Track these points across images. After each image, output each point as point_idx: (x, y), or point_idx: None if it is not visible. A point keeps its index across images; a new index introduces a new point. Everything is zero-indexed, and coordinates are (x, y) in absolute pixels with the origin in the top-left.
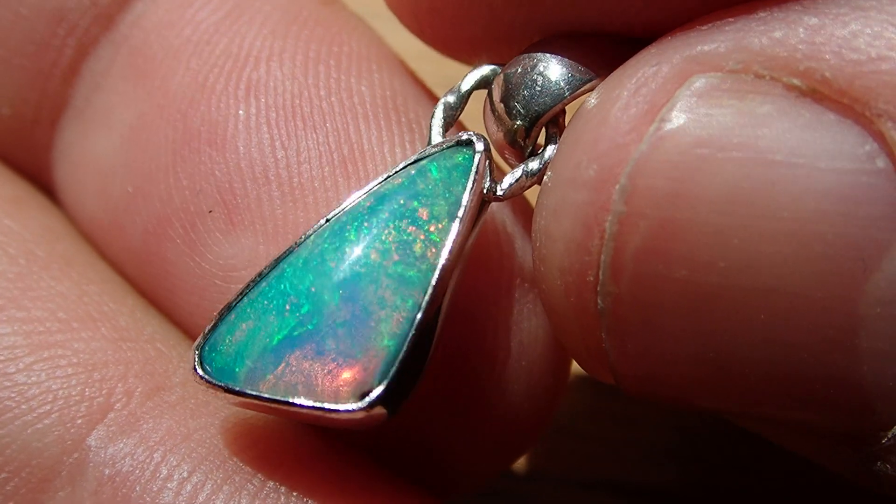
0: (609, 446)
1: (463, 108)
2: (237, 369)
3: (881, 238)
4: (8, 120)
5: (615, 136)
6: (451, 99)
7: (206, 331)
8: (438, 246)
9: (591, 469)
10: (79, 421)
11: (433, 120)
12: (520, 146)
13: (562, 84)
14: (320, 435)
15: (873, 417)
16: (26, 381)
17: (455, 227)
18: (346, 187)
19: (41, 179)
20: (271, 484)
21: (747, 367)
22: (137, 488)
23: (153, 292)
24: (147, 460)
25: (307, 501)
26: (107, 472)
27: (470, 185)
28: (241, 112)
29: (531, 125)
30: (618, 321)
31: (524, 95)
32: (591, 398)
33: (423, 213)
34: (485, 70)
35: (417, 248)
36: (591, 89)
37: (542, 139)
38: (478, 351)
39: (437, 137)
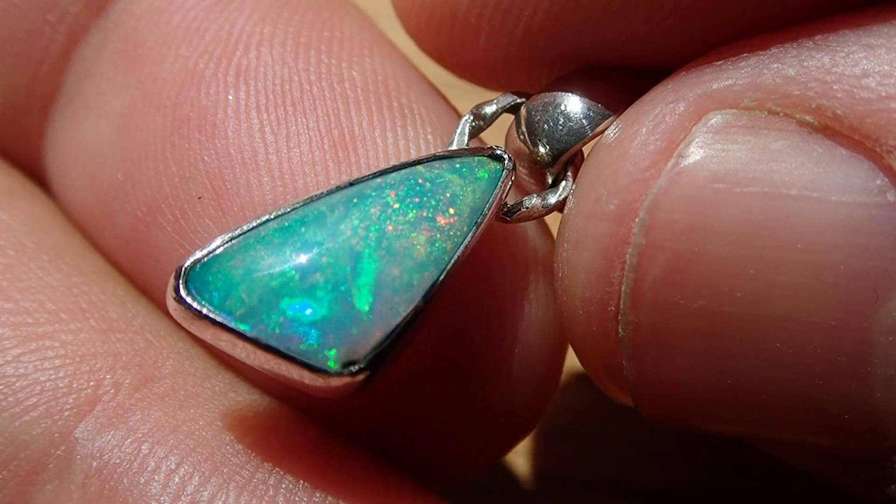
0: (609, 446)
1: (489, 126)
2: (228, 299)
3: (892, 269)
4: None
5: (634, 172)
6: (483, 110)
7: (201, 254)
8: (454, 244)
9: (591, 469)
10: (66, 413)
11: (459, 126)
12: (541, 171)
13: (581, 126)
14: (310, 425)
15: (886, 442)
16: (14, 372)
17: (469, 235)
18: (337, 172)
19: (33, 168)
20: (260, 475)
21: (763, 392)
22: (125, 481)
23: (144, 280)
24: (135, 452)
25: (296, 492)
26: (94, 464)
27: (493, 198)
28: (230, 97)
29: (553, 161)
30: (638, 349)
31: (547, 134)
32: (591, 398)
33: (446, 210)
34: (511, 98)
35: (437, 240)
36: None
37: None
38: (474, 339)
39: (460, 143)
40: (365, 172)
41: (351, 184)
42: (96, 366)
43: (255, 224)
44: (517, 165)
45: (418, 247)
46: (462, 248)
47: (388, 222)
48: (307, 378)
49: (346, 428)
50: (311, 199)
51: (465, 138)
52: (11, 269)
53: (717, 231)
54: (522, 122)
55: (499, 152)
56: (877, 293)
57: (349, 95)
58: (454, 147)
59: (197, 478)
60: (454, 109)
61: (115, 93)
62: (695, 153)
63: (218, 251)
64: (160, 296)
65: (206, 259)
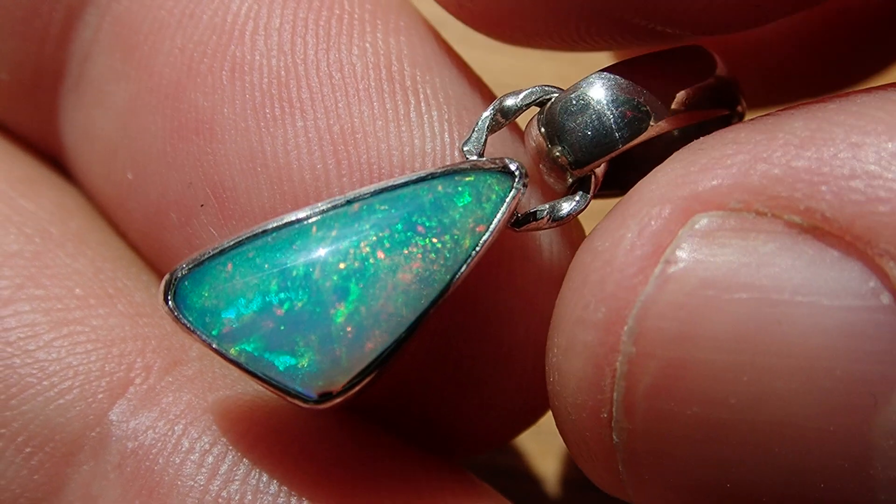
0: None
1: (512, 121)
2: (213, 317)
3: (890, 372)
4: (8, 85)
5: (621, 279)
6: (506, 104)
7: (190, 263)
8: (444, 273)
9: None
10: (100, 396)
11: (478, 123)
12: (562, 173)
13: (612, 138)
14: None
15: None
16: (47, 357)
17: (463, 266)
18: (337, 174)
19: (49, 145)
20: (290, 454)
21: (763, 496)
22: (160, 461)
23: (160, 273)
24: (169, 433)
25: (328, 469)
26: (129, 445)
27: (495, 225)
28: (226, 98)
29: (578, 167)
30: (633, 455)
31: (574, 141)
32: None
33: (443, 237)
34: (539, 92)
35: (426, 267)
36: (642, 140)
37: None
38: (487, 332)
39: (478, 140)
40: (366, 172)
41: (348, 201)
42: (126, 349)
43: (244, 237)
44: (542, 163)
45: (408, 278)
46: (453, 277)
47: (377, 249)
48: (288, 401)
49: (360, 407)
50: (303, 219)
51: (484, 136)
52: (39, 256)
53: (707, 338)
54: (548, 121)
55: (511, 167)
56: (875, 397)
57: (348, 86)
58: (471, 144)
59: (230, 457)
60: (465, 77)
61: (116, 83)
62: (682, 258)
63: (206, 264)
64: None
65: (193, 271)
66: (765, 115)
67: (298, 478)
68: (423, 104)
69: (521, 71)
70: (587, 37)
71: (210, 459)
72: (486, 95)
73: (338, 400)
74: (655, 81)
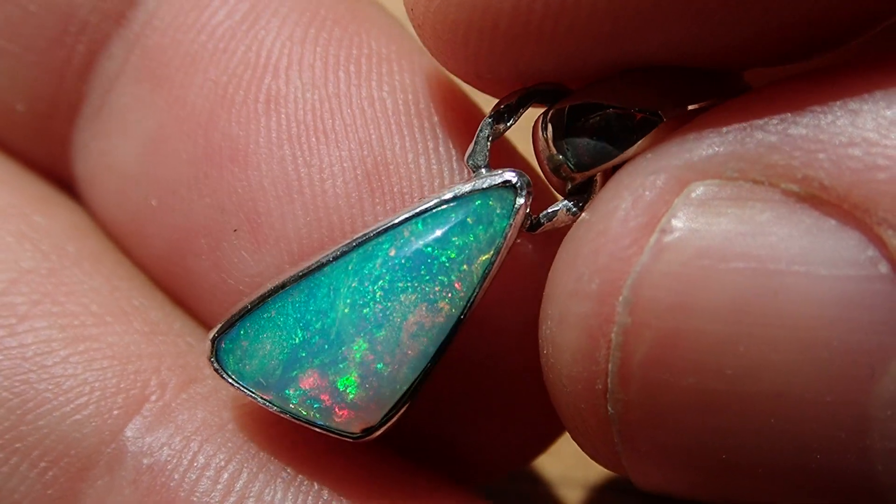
0: None
1: (511, 126)
2: (247, 370)
3: (887, 342)
4: (23, 115)
5: (616, 249)
6: (500, 112)
7: (223, 326)
8: (459, 303)
9: (591, 469)
10: (115, 412)
11: (479, 134)
12: (564, 177)
13: (617, 142)
14: None
15: None
16: (63, 373)
17: (477, 289)
18: (371, 202)
19: (60, 174)
20: (303, 476)
21: (759, 467)
22: (175, 477)
23: (178, 298)
24: (184, 450)
25: (341, 487)
26: (145, 461)
27: (503, 248)
28: (261, 128)
29: (579, 171)
30: (629, 426)
31: (575, 147)
32: None
33: (452, 269)
34: (533, 94)
35: (439, 302)
36: (646, 147)
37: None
38: (507, 354)
39: (481, 151)
40: (398, 201)
41: (356, 242)
42: (142, 367)
43: (266, 294)
44: (545, 165)
45: (423, 309)
46: (469, 304)
47: (391, 289)
48: (334, 437)
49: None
50: (314, 269)
51: (486, 145)
52: (56, 273)
53: (703, 308)
54: (550, 126)
55: (513, 181)
56: (872, 367)
57: (380, 119)
58: (474, 156)
59: (245, 474)
60: (481, 112)
61: (143, 112)
62: (678, 228)
63: (240, 320)
64: (194, 314)
65: (230, 329)
66: (761, 88)
67: (313, 498)
68: (450, 139)
69: None
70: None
71: (225, 476)
72: None
73: (378, 433)
74: (664, 84)
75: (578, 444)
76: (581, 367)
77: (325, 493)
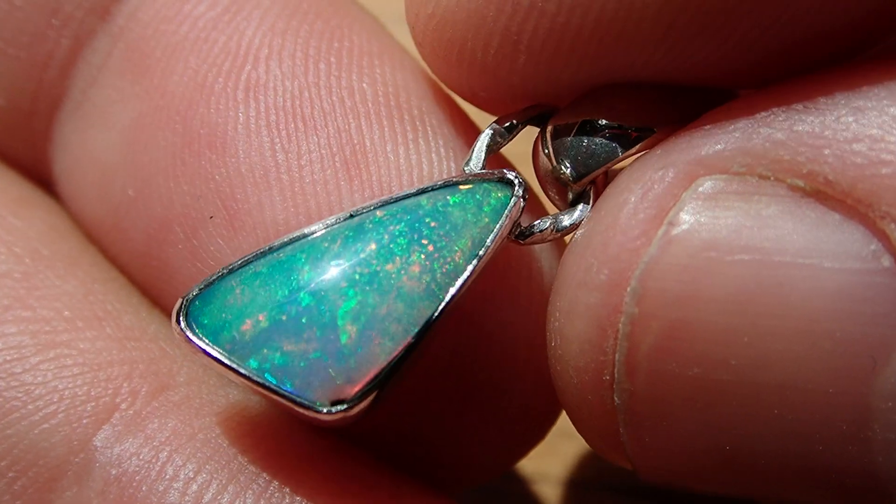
0: None
1: (510, 141)
2: (223, 333)
3: (889, 335)
4: (3, 111)
5: (625, 241)
6: (500, 127)
7: (202, 285)
8: (450, 279)
9: (591, 469)
10: (85, 421)
11: (478, 143)
12: (563, 187)
13: (610, 147)
14: (324, 434)
15: (888, 503)
16: (33, 380)
17: (469, 269)
18: (349, 190)
19: (39, 172)
20: (276, 483)
21: (762, 458)
22: (144, 488)
23: (157, 293)
24: (153, 460)
25: (314, 500)
26: (113, 472)
27: (497, 230)
28: (240, 115)
29: (576, 180)
30: (634, 416)
31: (572, 153)
32: None
33: (447, 244)
34: (534, 112)
35: (431, 274)
36: (642, 150)
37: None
38: (489, 352)
39: (477, 159)
40: (376, 189)
41: (351, 215)
42: (113, 374)
43: (251, 257)
44: (539, 181)
45: (413, 284)
46: (459, 284)
47: (383, 260)
48: (299, 413)
49: (359, 436)
50: (308, 234)
51: (483, 155)
52: (29, 277)
53: (709, 299)
54: (548, 138)
55: (510, 177)
56: (874, 360)
57: (360, 109)
58: (472, 163)
59: (215, 485)
60: (466, 116)
61: (123, 104)
62: (685, 220)
63: (216, 283)
64: (171, 311)
65: (204, 291)
66: (767, 86)
67: None
68: (429, 132)
69: None
70: None
71: (194, 487)
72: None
73: (349, 412)
74: (657, 94)
75: (583, 436)
76: (588, 357)
77: (298, 502)
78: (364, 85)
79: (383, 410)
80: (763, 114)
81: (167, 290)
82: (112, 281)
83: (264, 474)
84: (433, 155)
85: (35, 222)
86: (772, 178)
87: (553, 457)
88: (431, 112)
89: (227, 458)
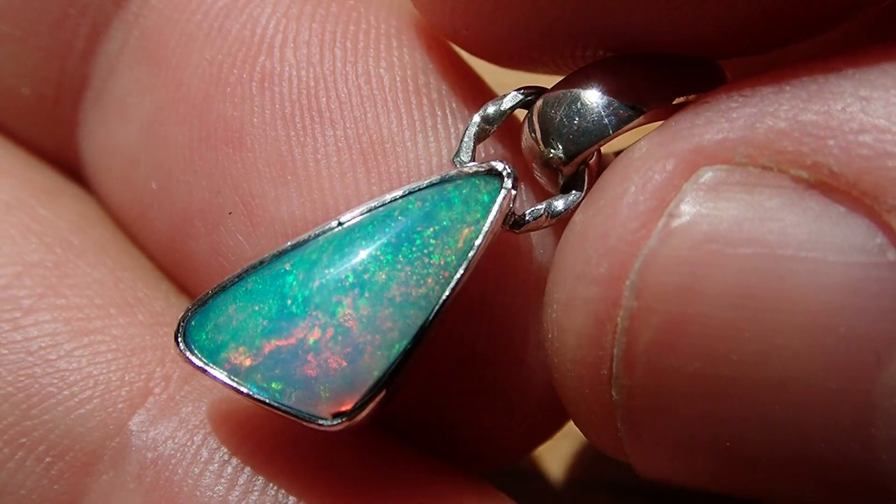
0: None
1: (499, 125)
2: (221, 354)
3: (894, 330)
4: (29, 99)
5: (624, 233)
6: (488, 112)
7: (195, 305)
8: (442, 283)
9: (591, 469)
10: (120, 405)
11: (466, 132)
12: (554, 171)
13: (601, 125)
14: None
15: (891, 501)
16: (67, 367)
17: (459, 272)
18: (367, 183)
19: (66, 159)
20: (312, 461)
21: (763, 455)
22: (179, 471)
23: (182, 283)
24: (188, 443)
25: (346, 477)
26: (149, 455)
27: (486, 229)
28: (255, 108)
29: (567, 161)
30: (632, 412)
31: (562, 132)
32: None
33: (437, 246)
34: (520, 95)
35: (423, 279)
36: (633, 128)
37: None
38: (500, 345)
39: (467, 150)
40: (395, 180)
41: (339, 223)
42: (146, 359)
43: (243, 272)
44: (528, 165)
45: (404, 291)
46: (451, 288)
47: (373, 269)
48: (305, 426)
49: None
50: (297, 245)
51: (472, 146)
52: (60, 266)
53: (710, 293)
54: (535, 118)
55: (499, 168)
56: (879, 355)
57: (377, 97)
58: (461, 155)
59: (249, 468)
60: (488, 89)
61: (141, 94)
62: (686, 212)
63: (210, 303)
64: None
65: (199, 311)
66: (770, 70)
67: (315, 487)
68: (449, 116)
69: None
70: (583, 61)
71: (229, 470)
72: None
73: (352, 421)
74: (648, 72)
75: (581, 430)
76: (586, 351)
77: (328, 486)
78: (381, 70)
79: (401, 401)
80: (766, 101)
81: (192, 280)
82: (141, 268)
83: (300, 454)
84: (453, 140)
85: (64, 212)
86: (775, 169)
87: (553, 457)
88: (451, 93)
89: (258, 439)
